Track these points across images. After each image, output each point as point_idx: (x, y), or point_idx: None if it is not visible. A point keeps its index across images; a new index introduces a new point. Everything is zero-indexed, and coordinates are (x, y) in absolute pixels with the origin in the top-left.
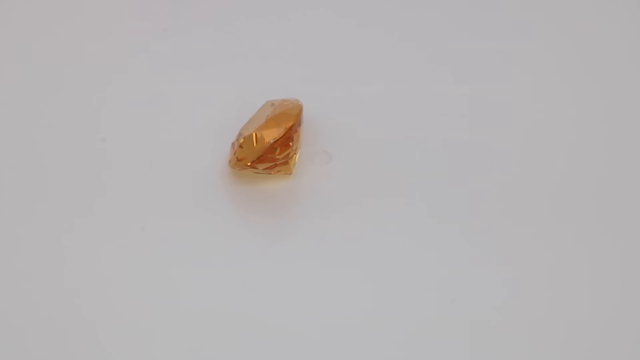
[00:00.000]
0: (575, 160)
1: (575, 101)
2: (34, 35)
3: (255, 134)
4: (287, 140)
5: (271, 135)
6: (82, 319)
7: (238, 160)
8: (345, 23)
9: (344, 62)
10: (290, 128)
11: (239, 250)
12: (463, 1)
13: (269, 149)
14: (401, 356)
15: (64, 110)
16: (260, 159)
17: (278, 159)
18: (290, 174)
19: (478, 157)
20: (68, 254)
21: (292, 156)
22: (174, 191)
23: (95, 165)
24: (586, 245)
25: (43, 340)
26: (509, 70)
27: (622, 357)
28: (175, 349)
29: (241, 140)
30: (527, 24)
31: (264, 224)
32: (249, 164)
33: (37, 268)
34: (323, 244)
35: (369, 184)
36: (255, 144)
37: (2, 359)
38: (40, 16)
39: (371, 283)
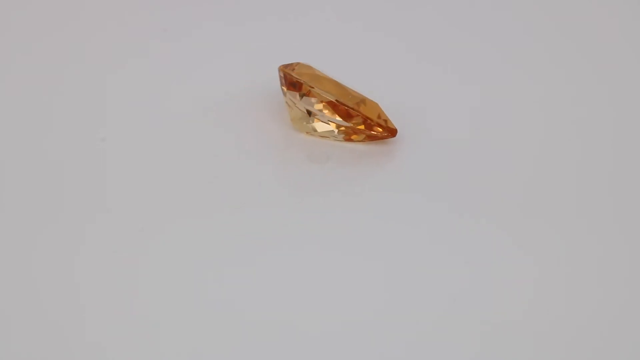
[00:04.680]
0: (588, 161)
1: (597, 98)
2: (34, 35)
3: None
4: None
5: (326, 88)
6: (84, 319)
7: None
8: (351, 26)
9: (339, 59)
10: (343, 105)
11: (241, 249)
12: (468, 2)
13: (305, 87)
14: (409, 355)
15: (64, 110)
16: (296, 85)
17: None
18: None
19: (481, 156)
20: (67, 253)
21: (305, 108)
22: (174, 192)
23: (95, 165)
24: (604, 247)
25: (45, 340)
26: (512, 70)
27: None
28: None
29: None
30: (539, 25)
31: (265, 222)
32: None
33: (37, 267)
34: (329, 239)
35: (371, 182)
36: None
37: (5, 358)
38: (40, 16)
39: (375, 280)
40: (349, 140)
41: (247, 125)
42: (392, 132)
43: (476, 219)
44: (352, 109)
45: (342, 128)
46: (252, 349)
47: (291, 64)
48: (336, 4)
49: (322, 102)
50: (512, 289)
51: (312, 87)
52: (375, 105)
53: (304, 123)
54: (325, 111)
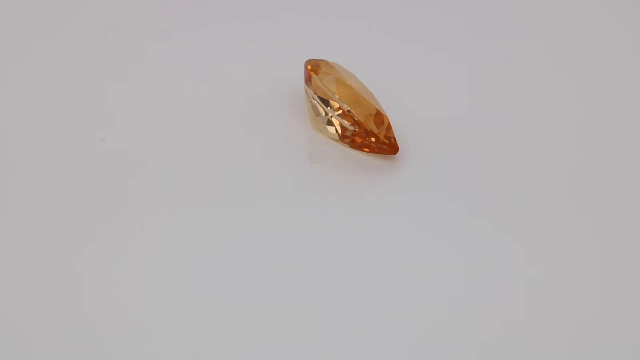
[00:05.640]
0: (589, 161)
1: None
2: (35, 35)
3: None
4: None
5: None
6: (86, 318)
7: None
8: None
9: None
10: (356, 117)
11: (242, 249)
12: (468, 2)
13: (319, 86)
14: (408, 355)
15: (64, 110)
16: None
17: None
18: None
19: (481, 157)
20: (66, 253)
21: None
22: (173, 192)
23: (95, 165)
24: (604, 247)
25: (46, 339)
26: (512, 70)
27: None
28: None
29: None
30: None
31: (263, 220)
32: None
33: (37, 267)
34: (327, 239)
35: (372, 181)
36: (333, 72)
37: (6, 357)
38: (40, 16)
39: (375, 280)
40: (354, 147)
41: (253, 123)
42: (393, 149)
43: (476, 219)
44: (360, 120)
45: (349, 134)
46: (251, 348)
47: (319, 61)
48: (344, 2)
49: (333, 104)
50: (511, 289)
51: (327, 89)
52: (384, 119)
53: (318, 121)
54: (336, 114)
